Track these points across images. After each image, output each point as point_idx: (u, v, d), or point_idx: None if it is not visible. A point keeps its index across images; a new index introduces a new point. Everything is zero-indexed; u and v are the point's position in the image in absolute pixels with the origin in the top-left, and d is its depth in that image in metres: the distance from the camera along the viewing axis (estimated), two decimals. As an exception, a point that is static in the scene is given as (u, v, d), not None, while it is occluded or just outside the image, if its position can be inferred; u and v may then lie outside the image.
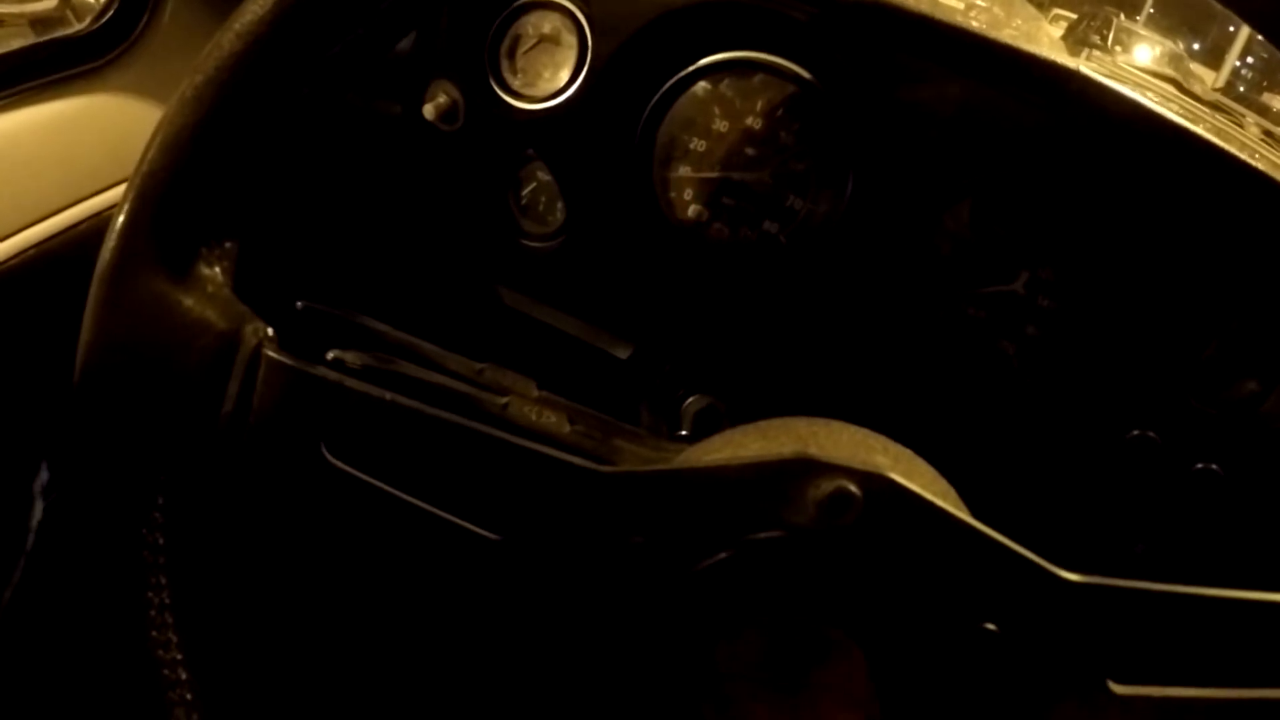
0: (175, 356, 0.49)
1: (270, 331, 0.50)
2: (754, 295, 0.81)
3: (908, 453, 0.45)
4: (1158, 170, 0.72)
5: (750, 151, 0.79)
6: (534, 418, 0.64)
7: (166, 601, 0.53)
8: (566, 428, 0.64)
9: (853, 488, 0.38)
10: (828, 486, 0.38)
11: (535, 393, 0.66)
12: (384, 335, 0.70)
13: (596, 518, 0.41)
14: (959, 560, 0.39)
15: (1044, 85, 0.71)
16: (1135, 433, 0.77)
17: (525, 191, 0.89)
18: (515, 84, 0.83)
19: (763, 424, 0.46)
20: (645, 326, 0.87)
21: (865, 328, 0.80)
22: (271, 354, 0.48)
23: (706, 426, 0.86)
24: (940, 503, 0.38)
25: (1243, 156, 0.72)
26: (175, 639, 0.53)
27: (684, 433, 0.88)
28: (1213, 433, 0.77)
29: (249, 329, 0.50)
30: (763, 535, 0.39)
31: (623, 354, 0.91)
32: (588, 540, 0.41)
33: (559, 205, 0.87)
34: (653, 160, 0.81)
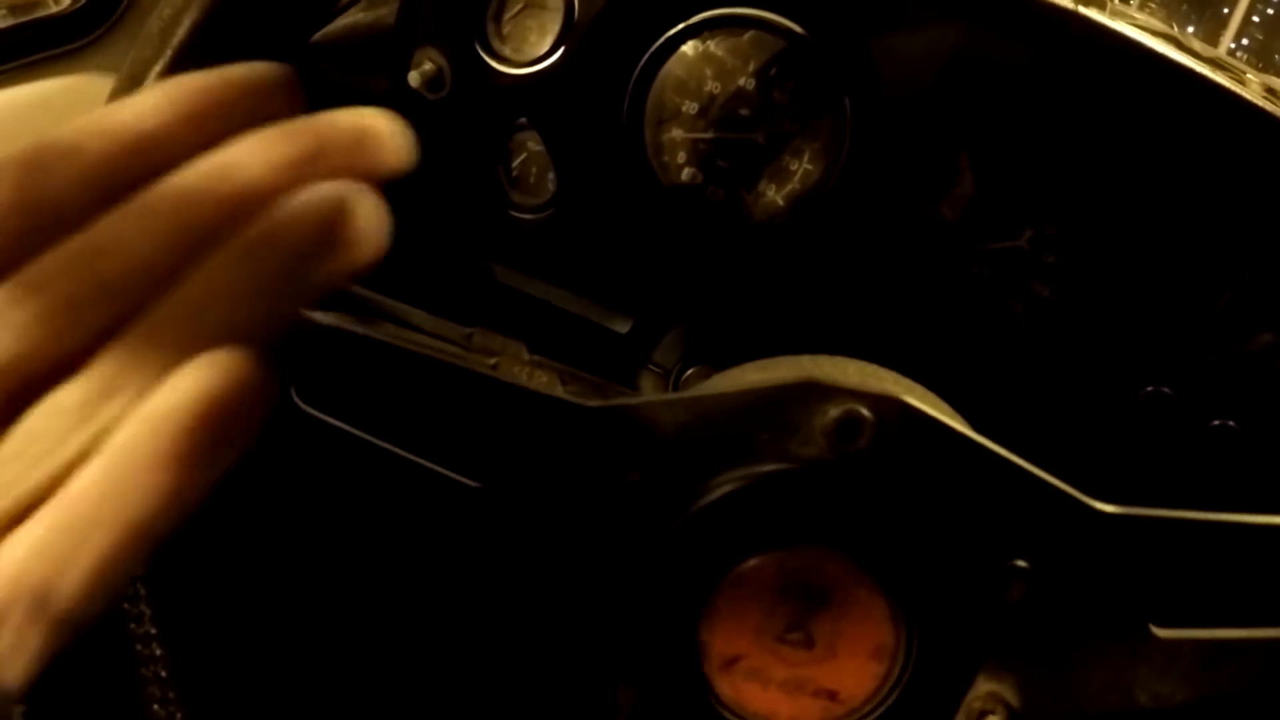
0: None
1: None
2: (752, 259, 0.77)
3: (920, 386, 0.41)
4: (1162, 116, 0.68)
5: (744, 112, 0.75)
6: (524, 379, 0.60)
7: (139, 572, 0.48)
8: (559, 388, 0.60)
9: (864, 411, 0.33)
10: (835, 411, 0.33)
11: (527, 356, 0.62)
12: (367, 300, 0.66)
13: (584, 456, 0.36)
14: (984, 490, 0.34)
15: (1043, 26, 0.67)
16: (1149, 389, 0.72)
17: (516, 163, 0.85)
18: (502, 50, 0.79)
19: (764, 360, 0.42)
20: (643, 297, 0.83)
21: (868, 290, 0.75)
22: None
23: (706, 398, 0.82)
24: (960, 427, 0.33)
25: (1251, 98, 0.68)
26: (149, 612, 0.48)
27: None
28: (1229, 388, 0.72)
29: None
30: (767, 468, 0.34)
31: (622, 328, 0.86)
32: (575, 482, 0.37)
33: (550, 176, 0.82)
34: (643, 123, 0.76)
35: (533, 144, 0.84)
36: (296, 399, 0.42)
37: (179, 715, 0.48)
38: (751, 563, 0.35)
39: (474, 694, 0.45)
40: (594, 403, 0.36)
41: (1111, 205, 0.71)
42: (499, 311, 0.86)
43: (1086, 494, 0.37)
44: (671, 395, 0.35)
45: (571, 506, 0.37)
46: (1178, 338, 0.72)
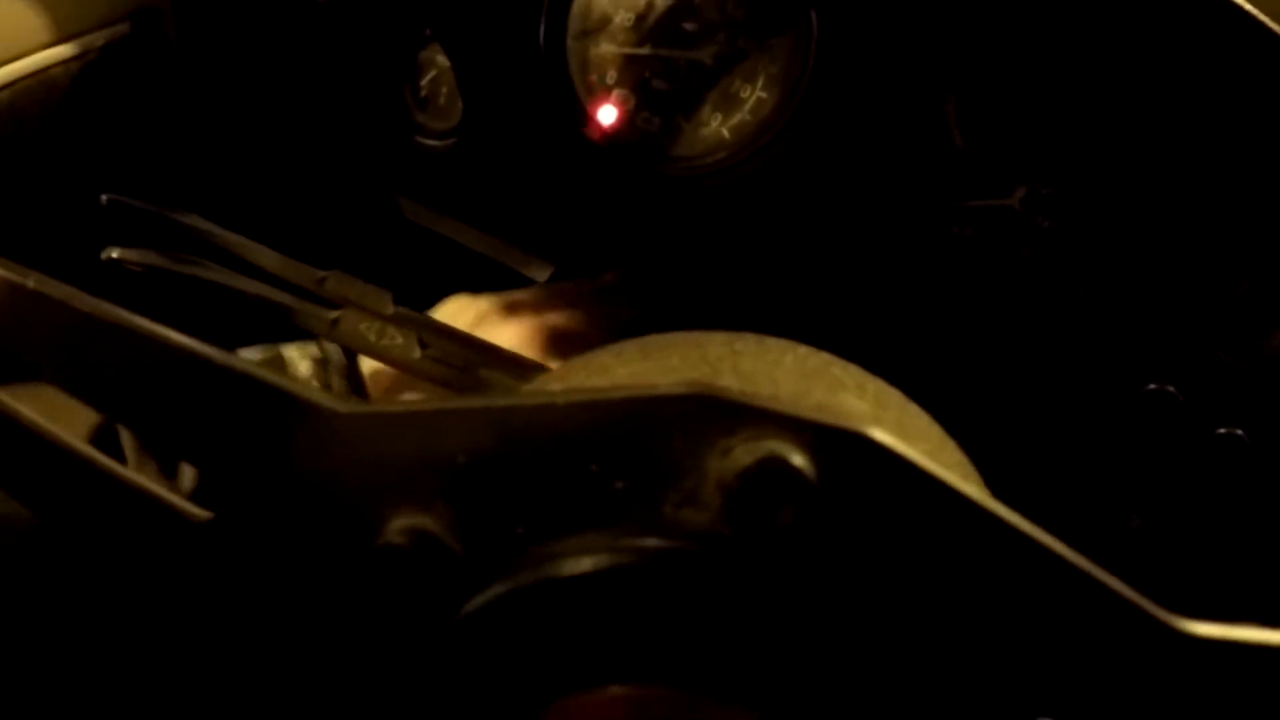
0: None
1: None
2: (691, 201, 0.60)
3: (897, 395, 0.24)
4: (1184, 59, 0.52)
5: (688, 25, 0.58)
6: (371, 338, 0.43)
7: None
8: (416, 352, 0.43)
9: (795, 457, 0.17)
10: (745, 454, 0.17)
11: (390, 309, 0.46)
12: (205, 235, 0.49)
13: (336, 491, 0.20)
14: (1006, 608, 0.18)
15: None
16: (1153, 387, 0.57)
17: (424, 81, 0.68)
18: (405, -60, 0.61)
19: (652, 338, 0.25)
20: (564, 241, 0.67)
21: (824, 246, 0.59)
22: None
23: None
24: (983, 498, 0.17)
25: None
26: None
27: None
28: (1240, 391, 0.57)
29: None
30: (617, 547, 0.18)
31: (540, 276, 0.70)
32: (322, 530, 0.20)
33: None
34: (566, 35, 0.59)
35: (443, 59, 0.67)
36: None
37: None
38: (581, 699, 0.19)
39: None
40: (347, 407, 0.20)
41: (1118, 166, 0.55)
42: (407, 254, 0.70)
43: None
44: (469, 401, 0.19)
45: (318, 566, 0.21)
46: (1187, 329, 0.57)
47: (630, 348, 0.24)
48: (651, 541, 0.18)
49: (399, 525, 0.20)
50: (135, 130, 0.66)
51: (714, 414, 0.17)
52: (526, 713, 0.19)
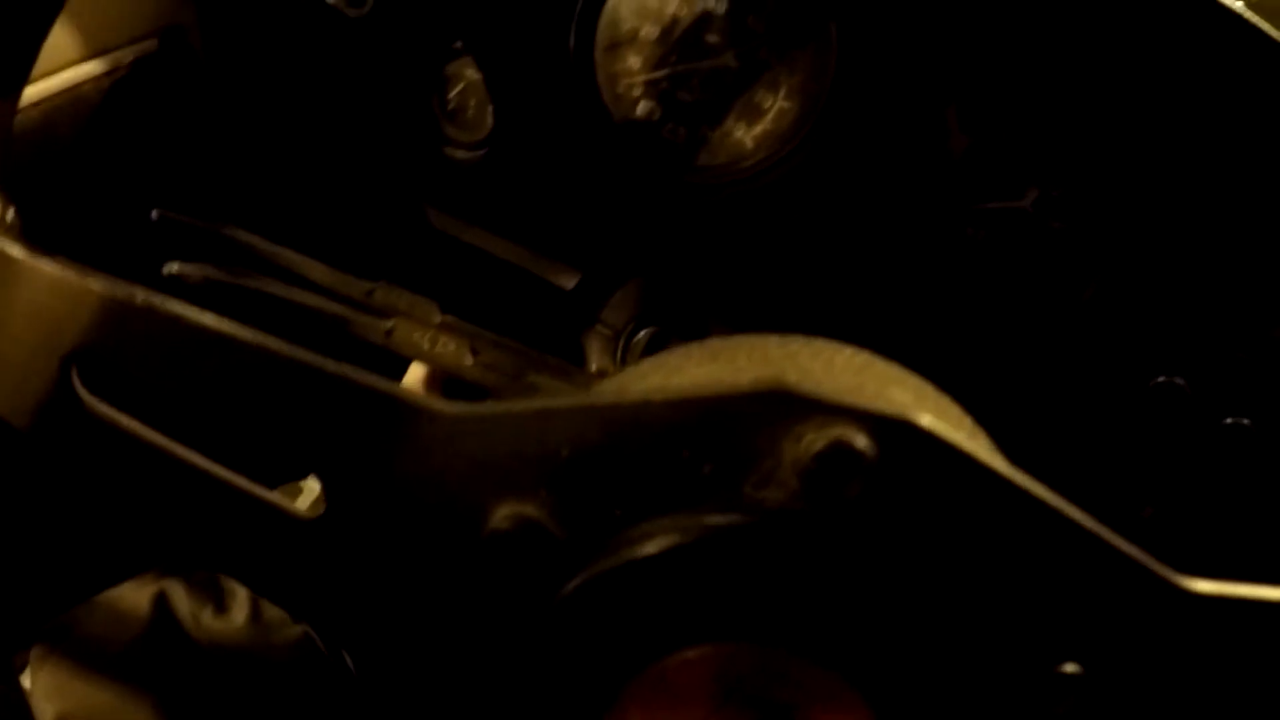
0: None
1: (11, 214, 0.32)
2: (715, 209, 0.64)
3: (932, 388, 0.28)
4: (1186, 63, 0.55)
5: (712, 39, 0.61)
6: (425, 346, 0.47)
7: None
8: (468, 359, 0.47)
9: (860, 440, 0.20)
10: (816, 439, 0.20)
11: (438, 318, 0.49)
12: (255, 249, 0.53)
13: (439, 486, 0.23)
14: (1032, 565, 0.21)
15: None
16: (1161, 379, 0.60)
17: (452, 93, 0.71)
18: (433, -42, 0.64)
19: (714, 342, 0.28)
20: (591, 248, 0.70)
21: (844, 249, 0.62)
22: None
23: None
24: (1010, 471, 0.21)
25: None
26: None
27: (632, 373, 0.69)
28: (1247, 380, 0.60)
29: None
30: (706, 521, 0.21)
31: (567, 283, 0.73)
32: (428, 521, 0.24)
33: (489, 109, 0.69)
34: (594, 48, 0.62)
35: (471, 72, 0.70)
36: (80, 389, 0.28)
37: None
38: (677, 658, 0.23)
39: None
40: (452, 408, 0.23)
41: (1126, 169, 0.58)
42: (431, 262, 0.73)
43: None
44: (573, 400, 0.22)
45: (426, 554, 0.24)
46: (1193, 324, 0.60)
47: (696, 350, 0.27)
48: (735, 517, 0.21)
49: (504, 514, 0.23)
50: (165, 145, 0.69)
51: (790, 407, 0.20)
52: (624, 677, 0.23)
